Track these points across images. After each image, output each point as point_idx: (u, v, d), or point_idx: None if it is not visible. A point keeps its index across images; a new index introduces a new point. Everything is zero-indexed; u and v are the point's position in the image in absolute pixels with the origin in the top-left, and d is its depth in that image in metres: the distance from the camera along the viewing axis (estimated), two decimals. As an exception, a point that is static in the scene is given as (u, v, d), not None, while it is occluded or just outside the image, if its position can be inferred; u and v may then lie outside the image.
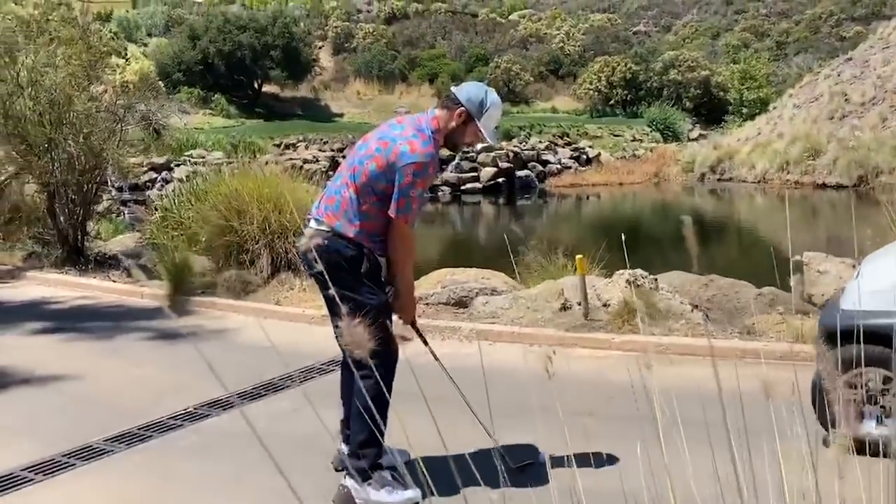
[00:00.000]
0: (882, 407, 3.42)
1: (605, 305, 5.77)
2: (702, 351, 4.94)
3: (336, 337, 3.72)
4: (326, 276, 3.47)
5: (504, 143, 30.67)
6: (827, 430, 3.27)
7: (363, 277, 3.38)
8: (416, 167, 3.31)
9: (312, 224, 3.52)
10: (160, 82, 28.15)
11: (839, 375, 3.34)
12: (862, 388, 3.44)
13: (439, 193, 26.88)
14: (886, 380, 3.38)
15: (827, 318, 3.66)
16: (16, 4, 8.84)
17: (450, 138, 3.49)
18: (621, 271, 5.93)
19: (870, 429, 3.41)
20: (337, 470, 3.75)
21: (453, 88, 3.58)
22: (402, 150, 3.32)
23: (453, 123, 3.45)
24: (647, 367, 1.44)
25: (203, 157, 25.67)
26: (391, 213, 3.34)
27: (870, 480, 1.72)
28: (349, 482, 3.41)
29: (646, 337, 5.27)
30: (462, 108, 3.44)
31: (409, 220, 3.39)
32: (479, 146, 28.65)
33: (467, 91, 3.51)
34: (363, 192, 3.38)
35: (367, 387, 3.35)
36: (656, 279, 5.93)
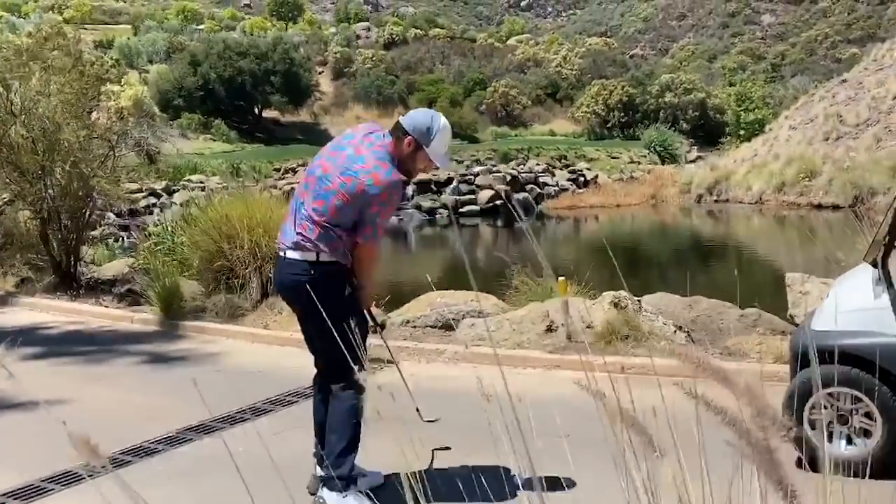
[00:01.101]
0: (851, 427, 3.43)
1: (588, 327, 5.80)
2: (682, 372, 4.97)
3: (315, 360, 3.77)
4: (306, 302, 3.50)
5: (502, 166, 30.85)
6: (798, 449, 3.28)
7: (344, 298, 3.48)
8: (382, 198, 3.41)
9: (290, 254, 3.52)
10: (155, 107, 28.40)
11: (809, 396, 3.37)
12: (832, 408, 3.46)
13: (437, 216, 26.99)
14: (856, 400, 3.40)
15: (798, 340, 3.69)
16: (12, 34, 8.94)
17: (403, 165, 3.52)
18: (606, 293, 5.96)
19: (839, 448, 3.43)
20: (312, 494, 3.76)
21: (400, 118, 3.61)
22: (368, 184, 3.37)
23: (404, 152, 3.50)
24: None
25: (202, 182, 25.85)
26: (360, 239, 3.47)
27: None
28: (325, 493, 3.47)
29: (627, 358, 5.29)
30: (410, 136, 3.48)
31: (377, 243, 3.57)
32: (476, 168, 28.86)
33: (412, 119, 3.55)
34: (332, 225, 3.44)
35: (346, 396, 3.46)
36: (640, 301, 5.96)
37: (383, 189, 3.38)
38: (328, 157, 3.59)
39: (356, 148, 3.55)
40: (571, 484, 3.24)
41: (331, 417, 3.56)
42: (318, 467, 3.75)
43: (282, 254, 3.59)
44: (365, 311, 3.77)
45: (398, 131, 3.53)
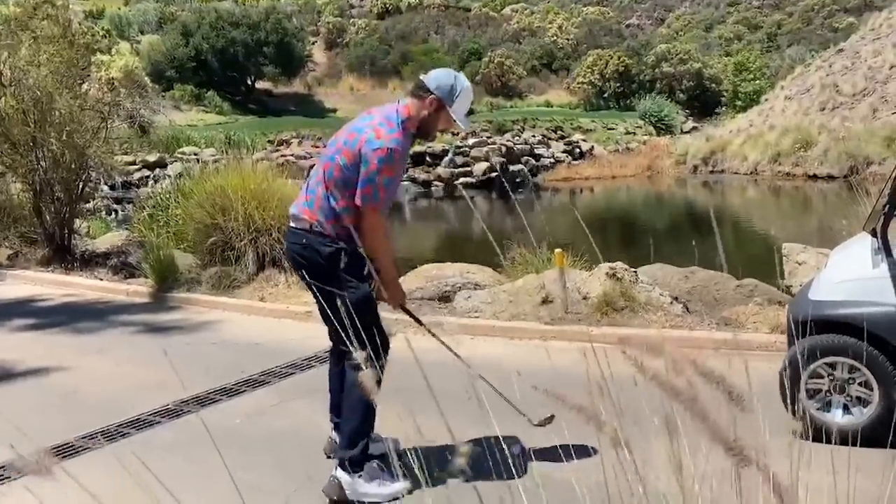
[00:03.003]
0: (848, 396, 3.44)
1: (584, 298, 5.80)
2: (679, 342, 4.98)
3: (329, 331, 3.72)
4: (306, 275, 3.50)
5: (497, 138, 30.67)
6: (795, 418, 3.30)
7: (343, 273, 3.39)
8: (381, 153, 3.27)
9: (292, 223, 3.53)
10: (147, 78, 28.05)
11: (805, 365, 3.38)
12: (829, 377, 3.47)
13: (432, 188, 26.88)
14: (853, 369, 3.41)
15: (795, 309, 3.68)
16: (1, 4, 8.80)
17: (423, 126, 3.47)
18: (602, 264, 5.95)
19: (836, 417, 3.44)
20: (328, 457, 3.77)
21: (422, 76, 3.55)
22: (369, 138, 3.31)
23: (425, 112, 3.42)
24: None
25: (196, 155, 25.65)
26: (357, 201, 3.33)
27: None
28: (340, 474, 3.42)
29: (623, 329, 5.30)
30: (433, 95, 3.42)
31: (378, 208, 3.37)
32: (471, 140, 28.72)
33: (436, 78, 3.47)
34: (338, 188, 3.37)
35: (356, 379, 3.40)
36: (636, 272, 5.95)
37: (383, 143, 3.28)
38: (345, 127, 3.58)
39: (369, 110, 3.55)
40: (569, 455, 3.25)
41: (344, 397, 3.53)
42: (334, 431, 3.76)
43: (290, 224, 3.58)
44: (392, 304, 3.66)
45: (419, 90, 3.46)
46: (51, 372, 5.57)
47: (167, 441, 4.28)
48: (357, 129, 3.40)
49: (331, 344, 3.74)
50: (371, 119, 3.42)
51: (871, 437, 3.08)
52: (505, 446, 3.71)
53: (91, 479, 3.97)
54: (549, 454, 3.21)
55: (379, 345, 3.44)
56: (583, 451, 3.29)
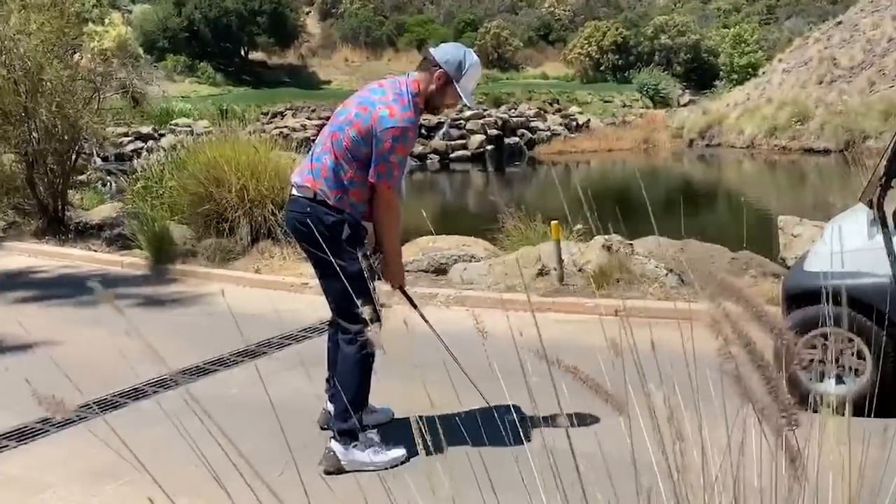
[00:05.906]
0: (841, 366, 3.47)
1: (580, 270, 5.81)
2: (673, 314, 4.99)
3: (329, 302, 3.71)
4: (307, 244, 3.49)
5: (493, 111, 30.48)
6: (788, 389, 3.32)
7: (344, 244, 3.38)
8: (395, 132, 3.27)
9: (294, 191, 3.51)
10: (140, 48, 27.72)
11: (799, 336, 3.39)
12: (822, 348, 3.49)
13: (428, 161, 26.77)
14: (847, 340, 3.43)
15: (790, 281, 3.70)
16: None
17: (430, 101, 3.46)
18: (597, 237, 5.95)
19: (829, 387, 3.47)
20: (323, 428, 3.79)
21: (431, 49, 3.52)
22: (382, 115, 3.29)
23: (433, 86, 3.41)
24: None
25: (189, 126, 25.46)
26: (371, 178, 3.34)
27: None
28: (335, 445, 3.44)
29: (619, 301, 5.32)
30: (441, 69, 3.40)
31: (392, 186, 3.38)
32: (466, 113, 28.59)
33: (445, 52, 3.46)
34: (345, 160, 3.36)
35: (350, 352, 3.41)
36: (632, 244, 5.96)
37: (397, 122, 3.28)
38: (354, 96, 3.55)
39: (379, 82, 3.53)
40: (571, 422, 3.27)
41: (338, 369, 3.54)
42: (329, 402, 3.78)
43: (291, 191, 3.56)
44: (394, 287, 3.66)
45: (427, 63, 3.44)
46: (47, 342, 5.57)
47: (163, 411, 4.27)
48: (369, 102, 3.37)
49: (331, 315, 3.74)
50: (383, 94, 3.38)
51: (864, 406, 3.11)
52: (513, 413, 3.69)
53: (85, 448, 3.98)
54: (547, 422, 3.23)
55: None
56: (581, 420, 3.33)
